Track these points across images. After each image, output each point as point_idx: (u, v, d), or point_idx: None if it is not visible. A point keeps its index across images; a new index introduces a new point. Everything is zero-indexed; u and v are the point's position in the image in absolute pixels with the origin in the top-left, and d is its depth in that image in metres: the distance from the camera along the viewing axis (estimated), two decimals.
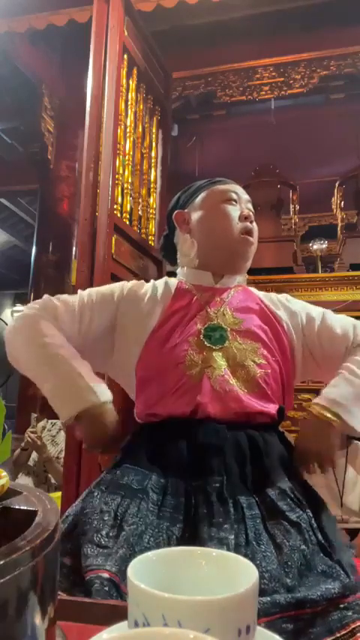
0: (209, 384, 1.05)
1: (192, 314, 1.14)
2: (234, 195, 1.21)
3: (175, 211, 1.27)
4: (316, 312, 1.22)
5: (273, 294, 1.26)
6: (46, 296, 1.17)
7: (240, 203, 1.22)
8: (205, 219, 1.21)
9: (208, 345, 1.09)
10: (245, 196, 1.25)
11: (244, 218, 1.19)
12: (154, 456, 1.03)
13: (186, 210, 1.26)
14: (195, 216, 1.23)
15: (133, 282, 1.25)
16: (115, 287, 1.21)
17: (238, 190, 1.24)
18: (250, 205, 1.24)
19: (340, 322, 1.20)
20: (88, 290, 1.20)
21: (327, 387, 1.11)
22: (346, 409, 1.05)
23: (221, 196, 1.21)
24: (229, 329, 1.12)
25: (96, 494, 0.99)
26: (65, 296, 1.18)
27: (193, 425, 1.02)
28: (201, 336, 1.10)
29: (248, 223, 1.19)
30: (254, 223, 1.22)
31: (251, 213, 1.21)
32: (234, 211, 1.20)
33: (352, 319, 1.22)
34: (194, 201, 1.25)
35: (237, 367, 1.08)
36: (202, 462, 0.97)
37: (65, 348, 1.08)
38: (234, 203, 1.21)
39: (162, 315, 1.15)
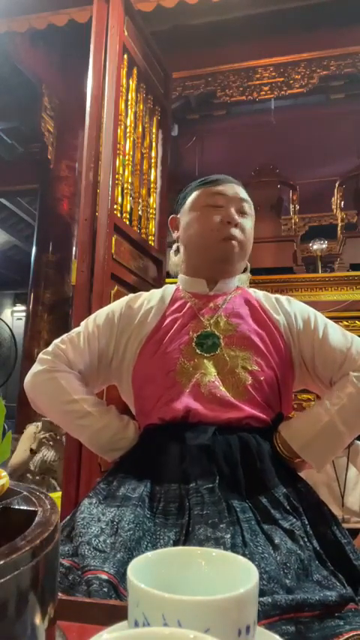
0: (199, 390, 1.04)
1: (185, 322, 1.13)
2: (219, 198, 1.16)
3: (170, 217, 1.26)
4: (320, 323, 1.14)
5: (274, 296, 1.22)
6: (54, 343, 1.18)
7: (228, 204, 1.16)
8: (188, 225, 1.18)
9: (200, 353, 1.08)
10: (238, 195, 1.17)
11: (226, 222, 1.14)
12: (147, 463, 1.02)
13: (178, 216, 1.24)
14: (182, 221, 1.21)
15: (131, 296, 1.24)
16: (116, 307, 1.20)
17: (227, 190, 1.17)
18: (243, 204, 1.17)
19: (339, 345, 1.11)
20: (95, 315, 1.22)
21: (294, 418, 1.10)
22: (305, 447, 1.05)
23: (204, 200, 1.17)
24: (222, 336, 1.10)
25: (94, 501, 1.00)
26: (72, 334, 1.19)
27: (184, 429, 1.02)
28: (193, 344, 1.09)
29: (232, 228, 1.14)
30: (243, 224, 1.16)
31: (235, 217, 1.14)
32: (216, 216, 1.14)
33: (351, 339, 1.12)
34: (183, 206, 1.22)
35: (227, 374, 1.06)
36: (194, 465, 0.97)
37: (86, 401, 1.13)
38: (218, 206, 1.15)
39: (156, 323, 1.14)
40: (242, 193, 1.19)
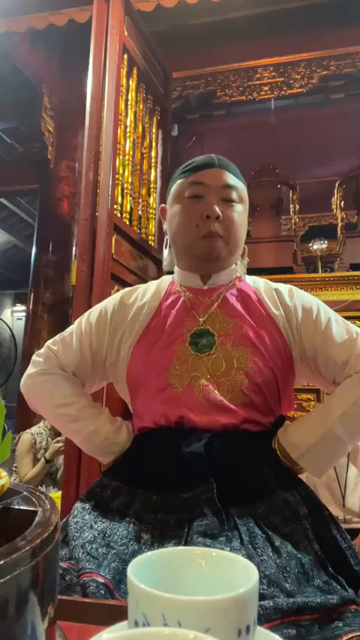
0: (193, 394, 0.99)
1: (179, 319, 1.07)
2: (198, 188, 1.06)
3: (160, 206, 1.19)
4: (322, 315, 1.07)
5: (274, 287, 1.12)
6: (46, 344, 1.16)
7: (209, 195, 1.05)
8: (171, 219, 1.10)
9: (194, 352, 1.02)
10: (222, 182, 1.06)
11: (205, 217, 1.04)
12: (142, 472, 1.00)
13: (166, 205, 1.15)
14: (168, 213, 1.13)
15: (125, 290, 1.18)
16: (110, 303, 1.16)
17: (208, 178, 1.06)
18: (229, 191, 1.06)
19: (343, 344, 1.03)
20: (89, 312, 1.18)
21: (293, 424, 1.05)
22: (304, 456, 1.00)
23: (183, 191, 1.07)
24: (217, 334, 1.04)
25: (87, 507, 0.98)
26: (65, 333, 1.17)
27: (180, 436, 0.98)
28: (186, 344, 1.03)
29: (213, 222, 1.04)
30: (229, 213, 1.05)
31: (215, 210, 1.03)
32: (196, 209, 1.05)
33: (356, 336, 1.04)
34: (169, 195, 1.13)
35: (222, 376, 1.00)
36: (190, 474, 0.93)
37: (76, 404, 1.10)
38: (198, 197, 1.06)
39: (149, 321, 1.09)
40: (229, 178, 1.07)
